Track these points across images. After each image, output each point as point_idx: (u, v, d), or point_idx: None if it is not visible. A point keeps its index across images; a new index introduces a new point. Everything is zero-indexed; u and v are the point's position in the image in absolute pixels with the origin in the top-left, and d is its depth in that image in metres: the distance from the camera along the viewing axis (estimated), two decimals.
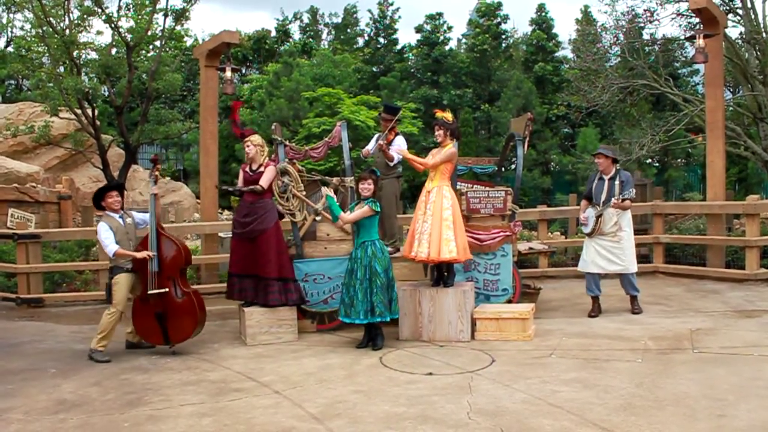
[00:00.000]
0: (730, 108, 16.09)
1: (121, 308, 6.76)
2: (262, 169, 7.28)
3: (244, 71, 35.44)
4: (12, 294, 9.96)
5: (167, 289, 6.73)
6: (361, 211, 6.75)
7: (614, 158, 7.99)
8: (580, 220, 8.02)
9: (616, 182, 7.72)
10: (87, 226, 12.39)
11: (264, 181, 7.22)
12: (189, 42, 30.50)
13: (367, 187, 6.80)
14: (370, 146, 8.64)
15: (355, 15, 39.06)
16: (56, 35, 14.20)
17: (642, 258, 10.10)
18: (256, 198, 7.23)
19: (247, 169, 7.35)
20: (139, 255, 6.70)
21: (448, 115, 7.28)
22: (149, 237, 6.81)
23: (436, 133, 7.26)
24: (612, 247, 7.73)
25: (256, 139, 7.37)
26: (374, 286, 6.71)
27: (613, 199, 7.59)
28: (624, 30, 16.95)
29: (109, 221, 6.80)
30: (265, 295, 7.23)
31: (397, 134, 8.41)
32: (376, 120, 24.09)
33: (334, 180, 8.05)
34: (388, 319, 6.86)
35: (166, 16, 15.45)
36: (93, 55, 16.28)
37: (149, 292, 6.70)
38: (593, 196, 7.87)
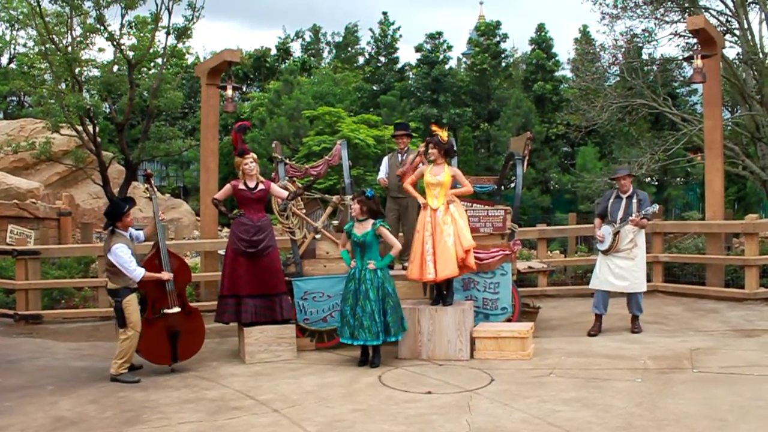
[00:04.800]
0: (729, 127, 16.16)
1: (139, 329, 6.55)
2: (262, 186, 7.29)
3: (244, 89, 35.65)
4: (10, 310, 9.93)
5: (179, 308, 6.72)
6: (388, 232, 6.91)
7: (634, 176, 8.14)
8: (596, 237, 8.04)
9: (634, 200, 7.80)
10: (87, 242, 12.40)
11: (284, 193, 7.51)
12: (190, 60, 30.72)
13: (355, 208, 6.89)
14: (383, 173, 8.76)
15: (356, 34, 39.38)
16: (59, 52, 14.29)
17: None
18: (261, 216, 7.27)
19: (243, 186, 7.24)
20: (165, 276, 6.61)
21: (444, 135, 7.31)
22: (161, 256, 6.71)
23: (430, 151, 7.27)
24: (627, 265, 7.76)
25: (254, 156, 7.42)
26: (387, 307, 6.75)
27: (633, 214, 7.66)
28: (622, 50, 17.08)
29: (125, 242, 6.57)
30: (281, 310, 7.25)
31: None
32: (377, 140, 24.23)
33: (334, 198, 8.08)
34: (400, 337, 6.90)
35: (168, 34, 15.55)
36: (95, 72, 16.39)
37: (167, 311, 6.65)
38: (609, 214, 7.92)
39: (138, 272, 6.45)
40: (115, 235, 6.63)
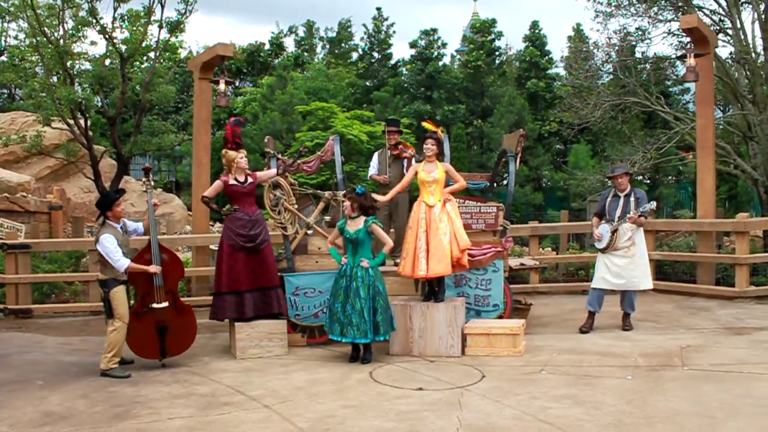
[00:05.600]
0: (720, 126, 16.20)
1: (127, 320, 6.55)
2: (250, 179, 7.31)
3: (237, 84, 35.52)
4: (0, 304, 9.89)
5: (168, 303, 6.68)
6: (380, 229, 6.88)
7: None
8: (594, 235, 8.06)
9: (632, 199, 7.82)
10: (78, 236, 12.35)
11: (273, 171, 7.63)
12: (183, 54, 30.55)
13: (347, 205, 6.87)
14: (373, 170, 8.82)
15: (349, 29, 39.28)
16: (50, 45, 14.18)
17: None
18: (255, 209, 7.30)
19: (234, 180, 7.24)
20: (152, 269, 6.57)
21: (440, 132, 7.33)
22: (152, 250, 6.68)
23: (429, 146, 7.20)
24: (624, 263, 7.78)
25: (244, 151, 7.44)
26: (378, 306, 6.74)
27: (631, 212, 7.68)
28: (616, 48, 17.09)
29: (113, 232, 6.55)
30: (278, 303, 7.28)
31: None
32: (370, 135, 24.20)
33: (326, 194, 8.06)
34: (388, 337, 6.90)
35: (160, 27, 15.45)
36: (87, 65, 16.26)
37: (154, 305, 6.61)
38: (607, 213, 7.93)
39: (122, 262, 6.41)
40: (105, 226, 6.63)
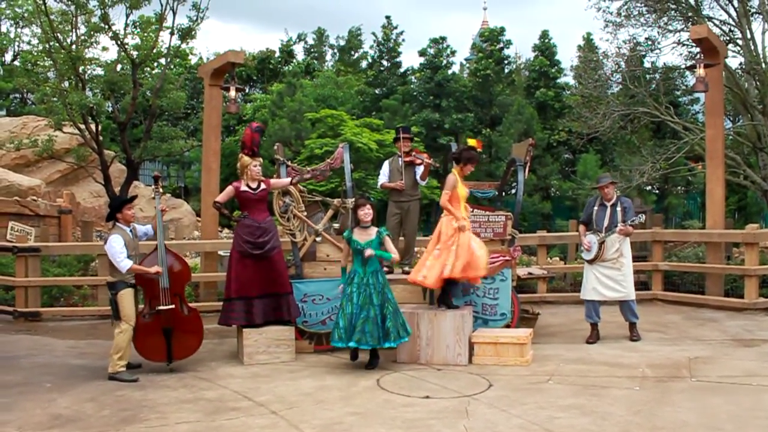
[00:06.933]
0: (730, 137, 16.18)
1: (133, 323, 6.60)
2: (263, 185, 7.34)
3: (247, 90, 35.71)
4: (9, 307, 9.94)
5: (174, 305, 6.72)
6: (390, 241, 6.93)
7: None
8: (582, 245, 8.03)
9: (618, 208, 7.78)
10: (87, 240, 12.42)
11: (286, 180, 7.67)
12: (194, 60, 30.74)
13: (367, 213, 6.84)
14: (384, 178, 8.82)
15: (359, 37, 39.43)
16: (63, 50, 14.33)
17: (641, 285, 10.12)
18: (265, 216, 7.32)
19: (245, 187, 7.27)
20: (153, 270, 6.62)
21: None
22: (158, 253, 6.73)
23: (470, 166, 7.25)
24: (614, 275, 7.76)
25: (260, 159, 7.47)
26: (387, 313, 6.74)
27: (620, 224, 7.65)
28: (625, 58, 17.11)
29: (122, 234, 6.64)
30: (289, 310, 7.30)
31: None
32: (379, 143, 24.25)
33: (335, 201, 8.08)
34: (401, 342, 6.89)
35: (172, 34, 15.60)
36: (98, 71, 16.43)
37: (160, 307, 6.65)
38: (594, 223, 7.90)
39: (125, 263, 6.50)
40: (114, 228, 6.74)
